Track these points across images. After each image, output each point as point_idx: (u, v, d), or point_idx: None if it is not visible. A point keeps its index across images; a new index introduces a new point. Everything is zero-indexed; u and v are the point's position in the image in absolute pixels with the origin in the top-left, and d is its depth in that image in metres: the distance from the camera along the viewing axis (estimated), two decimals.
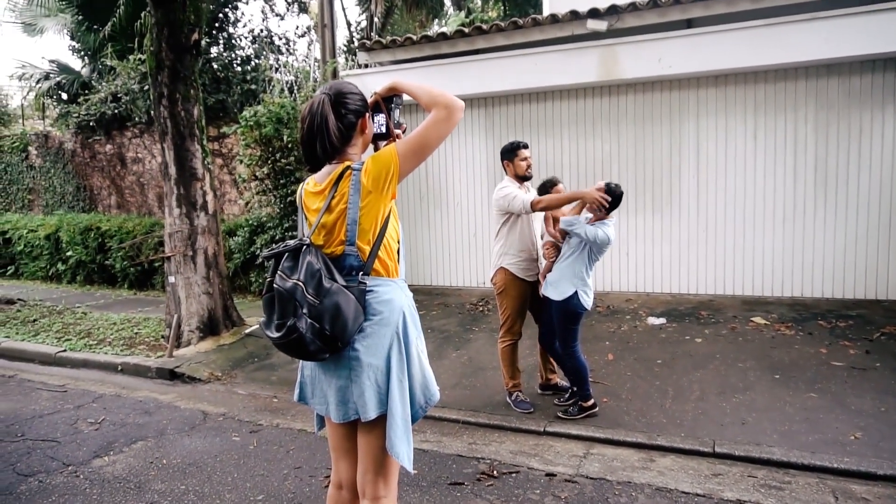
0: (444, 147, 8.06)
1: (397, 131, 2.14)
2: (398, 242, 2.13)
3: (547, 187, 4.21)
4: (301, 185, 2.18)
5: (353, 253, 2.00)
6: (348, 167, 1.98)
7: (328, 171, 2.04)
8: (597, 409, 4.12)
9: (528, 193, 4.20)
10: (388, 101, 2.12)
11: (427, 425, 4.20)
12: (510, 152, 4.27)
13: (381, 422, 2.00)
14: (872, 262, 6.38)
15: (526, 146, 4.28)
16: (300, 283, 1.89)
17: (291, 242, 2.00)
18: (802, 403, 4.12)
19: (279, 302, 1.92)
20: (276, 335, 1.92)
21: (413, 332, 2.08)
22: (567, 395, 4.35)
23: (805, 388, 4.36)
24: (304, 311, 1.87)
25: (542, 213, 4.38)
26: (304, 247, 1.96)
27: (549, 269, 4.15)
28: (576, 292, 3.89)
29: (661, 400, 4.33)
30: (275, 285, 1.94)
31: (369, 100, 2.11)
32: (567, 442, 3.86)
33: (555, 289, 3.99)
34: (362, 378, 1.98)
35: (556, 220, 4.29)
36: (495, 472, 3.45)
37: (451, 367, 5.23)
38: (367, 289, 1.99)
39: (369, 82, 7.94)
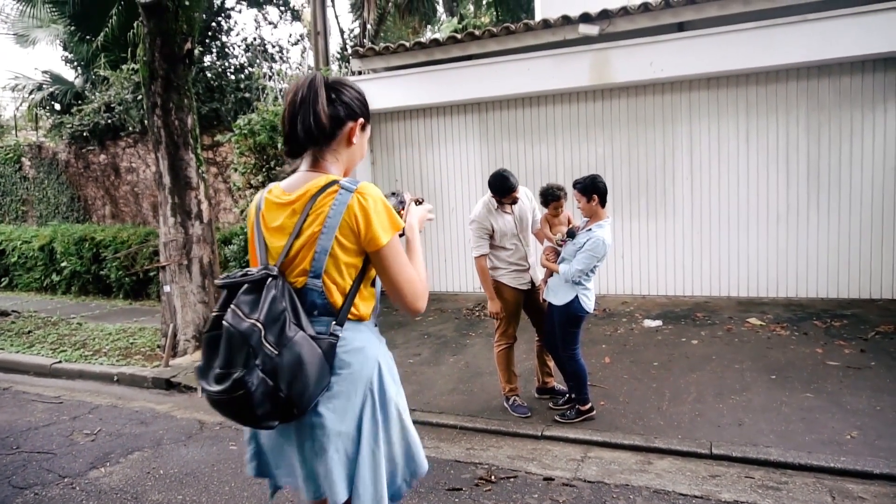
0: (439, 153, 8.08)
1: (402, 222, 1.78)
2: (373, 285, 1.77)
3: (547, 199, 4.18)
4: (259, 193, 1.76)
5: (317, 288, 1.62)
6: (335, 182, 1.62)
7: (302, 181, 1.67)
8: (594, 412, 4.12)
9: (482, 244, 4.18)
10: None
11: (424, 431, 4.19)
12: (501, 192, 4.08)
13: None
14: (866, 261, 6.41)
15: (516, 189, 4.09)
16: (259, 326, 1.48)
17: (254, 270, 1.60)
18: (799, 403, 4.13)
19: (227, 345, 1.50)
20: (216, 389, 1.49)
21: (391, 387, 1.72)
22: (563, 399, 4.35)
23: (801, 388, 4.37)
24: (258, 361, 1.47)
25: (539, 219, 4.40)
26: (270, 279, 1.56)
27: (550, 274, 4.15)
28: (576, 297, 3.90)
29: (658, 402, 4.33)
30: (225, 322, 1.50)
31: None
32: (565, 446, 3.86)
33: (555, 294, 4.00)
34: (329, 452, 1.60)
35: (552, 226, 4.30)
36: (493, 477, 3.45)
37: (448, 373, 5.23)
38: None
39: (364, 89, 7.95)
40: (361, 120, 1.72)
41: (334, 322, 1.63)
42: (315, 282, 1.62)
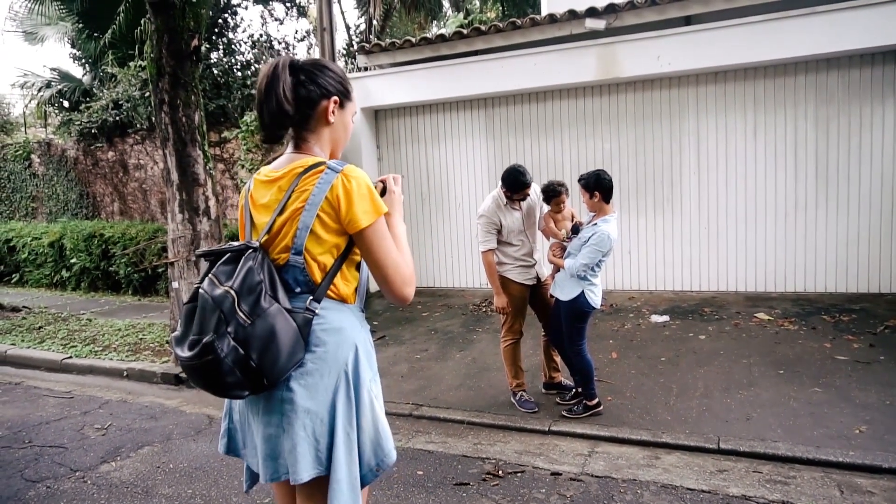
0: (445, 149, 8.08)
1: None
2: (358, 270, 1.76)
3: (549, 196, 4.18)
4: (250, 179, 1.78)
5: (299, 265, 1.62)
6: (322, 163, 1.62)
7: (287, 161, 1.68)
8: (601, 407, 4.12)
9: (490, 238, 4.19)
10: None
11: (432, 426, 4.21)
12: (514, 187, 4.08)
13: (320, 487, 1.63)
14: (875, 255, 6.37)
15: (529, 186, 4.10)
16: (231, 293, 1.50)
17: (235, 243, 1.63)
18: (807, 398, 4.12)
19: (201, 312, 1.53)
20: (187, 354, 1.51)
21: (366, 372, 1.69)
22: (570, 394, 4.36)
23: (809, 383, 4.36)
24: (230, 329, 1.49)
25: (543, 216, 4.39)
26: (250, 250, 1.58)
27: (557, 270, 4.15)
28: (582, 292, 3.90)
29: (666, 397, 4.33)
30: (200, 290, 1.55)
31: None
32: (572, 441, 3.86)
33: (562, 289, 4.00)
34: (295, 427, 1.59)
35: (557, 222, 4.30)
36: (500, 472, 3.46)
37: (456, 368, 5.24)
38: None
39: (370, 85, 7.97)
40: (336, 98, 1.69)
41: (311, 298, 1.62)
42: (297, 258, 1.62)
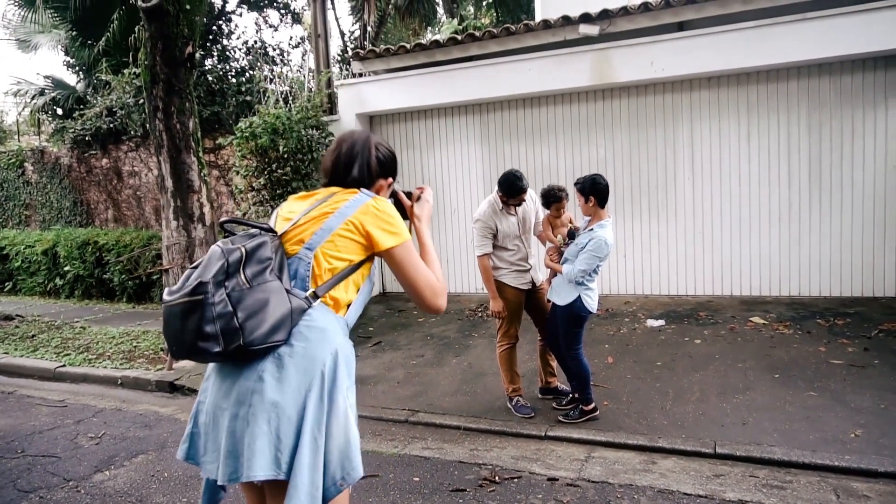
0: (440, 154, 8.09)
1: (410, 202, 2.01)
2: (358, 297, 1.83)
3: (549, 201, 4.18)
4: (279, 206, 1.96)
5: (307, 259, 1.71)
6: (358, 190, 1.83)
7: (329, 189, 1.88)
8: (598, 412, 4.12)
9: (486, 242, 4.20)
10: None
11: (428, 432, 4.19)
12: (511, 192, 4.08)
13: (280, 492, 1.56)
14: (869, 259, 6.40)
15: (525, 191, 4.10)
16: (243, 250, 1.59)
17: (264, 226, 1.77)
18: (802, 402, 4.13)
19: (206, 262, 1.59)
20: (178, 293, 1.54)
21: (344, 379, 1.67)
22: (567, 399, 4.36)
23: (805, 387, 4.36)
24: (228, 284, 1.54)
25: (541, 220, 4.39)
26: (272, 233, 1.71)
27: (553, 275, 4.15)
28: (579, 297, 3.90)
29: (662, 402, 4.33)
30: (216, 245, 1.63)
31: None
32: (568, 446, 3.86)
33: (558, 294, 4.01)
34: (259, 419, 1.54)
35: (554, 227, 4.30)
36: (497, 478, 3.45)
37: (452, 374, 5.23)
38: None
39: (364, 91, 7.98)
40: (390, 179, 1.97)
41: (313, 291, 1.70)
42: (307, 252, 1.71)
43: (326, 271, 1.72)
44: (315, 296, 1.69)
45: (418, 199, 2.01)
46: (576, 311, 3.93)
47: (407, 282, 1.79)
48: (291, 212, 1.81)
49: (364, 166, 1.87)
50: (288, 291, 1.63)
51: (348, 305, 1.79)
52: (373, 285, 1.91)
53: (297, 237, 1.73)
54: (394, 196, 2.01)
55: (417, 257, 1.79)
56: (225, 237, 1.75)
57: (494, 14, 17.17)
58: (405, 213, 1.98)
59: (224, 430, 1.59)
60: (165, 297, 1.57)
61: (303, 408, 1.58)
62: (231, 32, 12.22)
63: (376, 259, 1.85)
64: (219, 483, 1.61)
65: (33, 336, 7.51)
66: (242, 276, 1.56)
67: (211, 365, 1.73)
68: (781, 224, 6.67)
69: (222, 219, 1.81)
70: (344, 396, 1.65)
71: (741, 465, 3.47)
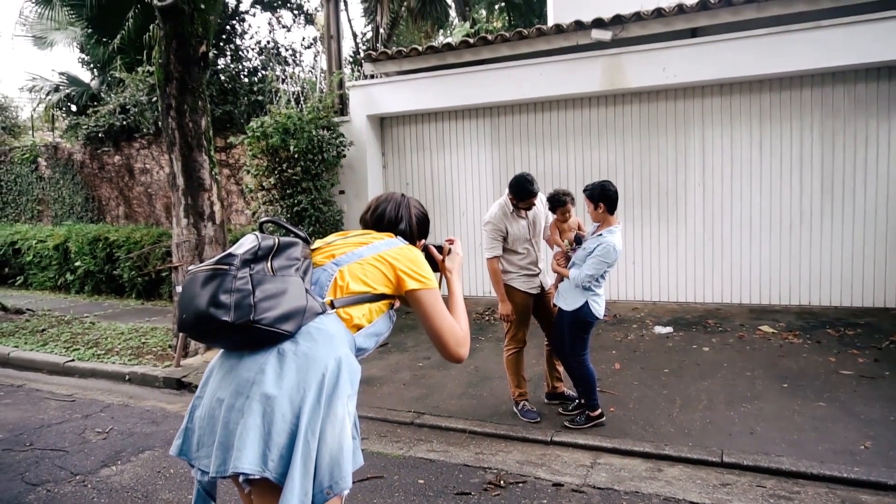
0: (450, 157, 8.09)
1: (441, 256, 2.12)
2: (372, 327, 1.83)
3: (554, 205, 4.16)
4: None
5: (331, 271, 1.78)
6: (393, 235, 1.96)
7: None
8: (604, 418, 4.11)
9: (496, 245, 4.21)
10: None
11: (434, 435, 4.19)
12: (521, 195, 4.08)
13: (272, 491, 1.55)
14: (880, 269, 6.35)
15: (536, 195, 4.11)
16: (276, 241, 1.69)
17: (301, 234, 1.82)
18: (811, 412, 4.10)
19: (242, 243, 1.68)
20: (206, 264, 1.63)
21: (346, 387, 1.64)
22: (573, 405, 4.34)
23: (813, 397, 4.33)
24: (254, 266, 1.62)
25: (549, 225, 4.38)
26: (306, 243, 1.80)
27: (560, 279, 4.15)
28: (586, 302, 3.90)
29: (669, 409, 4.31)
30: (252, 233, 1.72)
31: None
32: (574, 451, 3.85)
33: (565, 299, 4.00)
34: (254, 410, 1.53)
35: (562, 232, 4.29)
36: (502, 482, 3.44)
37: (458, 377, 5.23)
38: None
39: (376, 92, 8.01)
40: (424, 241, 2.11)
41: (330, 301, 1.74)
42: (333, 266, 1.79)
43: (347, 288, 1.77)
44: (332, 305, 1.73)
45: (448, 252, 2.11)
46: (582, 316, 3.92)
47: (431, 328, 1.84)
48: (327, 241, 1.92)
49: (408, 224, 2.02)
50: (307, 291, 1.68)
51: (360, 328, 1.79)
52: (391, 326, 1.93)
53: (329, 253, 1.84)
54: (425, 250, 2.09)
55: (443, 305, 1.86)
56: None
57: (507, 18, 17.18)
58: (436, 267, 2.08)
59: (220, 421, 1.58)
60: (191, 267, 1.64)
61: (299, 408, 1.55)
62: (244, 32, 12.28)
63: None
64: (210, 474, 1.59)
65: (43, 330, 7.57)
66: (269, 265, 1.64)
67: (212, 363, 1.73)
68: (792, 233, 6.63)
69: (263, 218, 1.82)
70: (344, 404, 1.62)
71: (748, 474, 3.44)
